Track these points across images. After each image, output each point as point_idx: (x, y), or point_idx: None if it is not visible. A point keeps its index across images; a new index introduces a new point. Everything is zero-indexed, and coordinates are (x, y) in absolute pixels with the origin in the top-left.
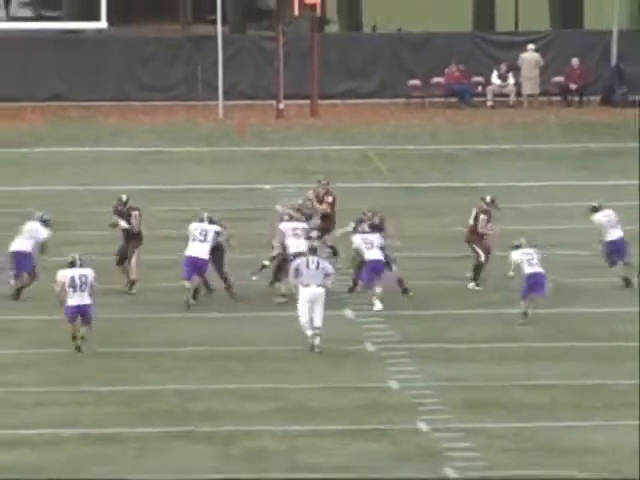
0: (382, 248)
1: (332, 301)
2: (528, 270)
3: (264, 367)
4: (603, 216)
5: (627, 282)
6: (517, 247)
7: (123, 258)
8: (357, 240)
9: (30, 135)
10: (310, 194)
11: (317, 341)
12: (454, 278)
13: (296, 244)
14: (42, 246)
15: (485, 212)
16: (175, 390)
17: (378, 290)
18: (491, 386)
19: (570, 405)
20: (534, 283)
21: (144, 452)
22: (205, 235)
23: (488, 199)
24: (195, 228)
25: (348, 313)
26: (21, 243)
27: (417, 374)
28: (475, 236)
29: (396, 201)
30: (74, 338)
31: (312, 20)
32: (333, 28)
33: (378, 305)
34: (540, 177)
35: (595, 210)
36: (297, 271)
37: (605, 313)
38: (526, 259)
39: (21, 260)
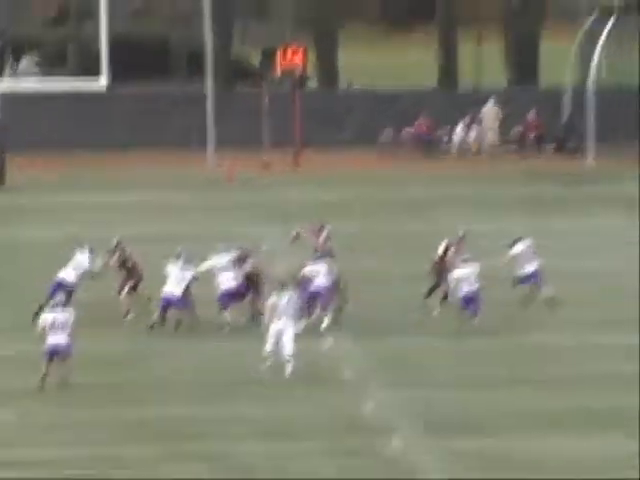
0: (329, 276)
1: (311, 330)
2: (464, 289)
3: (251, 392)
4: (517, 250)
5: (551, 302)
6: (464, 261)
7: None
8: (306, 271)
9: (42, 183)
10: (302, 232)
11: (289, 368)
12: (426, 311)
13: (223, 279)
14: (90, 273)
15: (455, 245)
16: (170, 414)
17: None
18: (458, 408)
19: (526, 424)
20: (466, 301)
21: (142, 471)
22: (181, 281)
23: (460, 233)
24: (172, 270)
25: (326, 341)
26: (67, 272)
27: (391, 398)
28: (442, 266)
29: (371, 242)
30: (44, 377)
31: (293, 79)
32: (313, 84)
33: (325, 322)
34: (500, 218)
35: (515, 243)
36: (272, 306)
37: (560, 343)
38: (464, 278)
39: (57, 289)
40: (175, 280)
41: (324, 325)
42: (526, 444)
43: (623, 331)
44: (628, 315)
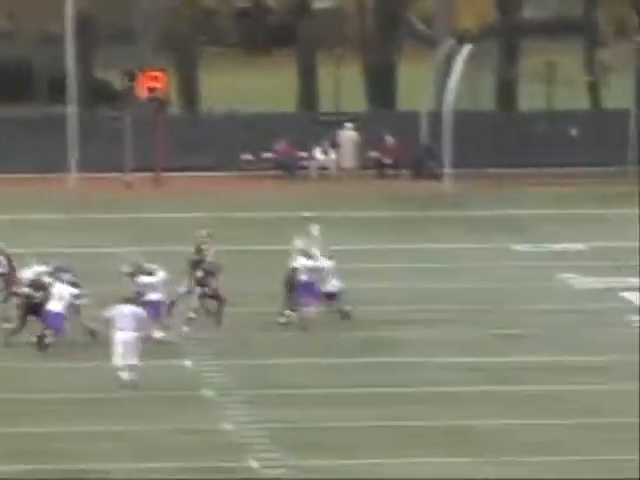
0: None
1: (171, 349)
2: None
3: (115, 411)
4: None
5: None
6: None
7: None
8: (141, 281)
9: None
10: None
11: (133, 376)
12: (288, 330)
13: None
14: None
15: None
16: (34, 432)
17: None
18: (317, 427)
19: (378, 443)
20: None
21: None
22: (62, 297)
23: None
24: (55, 288)
25: (186, 362)
26: None
27: (251, 417)
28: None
29: (230, 262)
30: None
31: (156, 102)
32: (174, 108)
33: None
34: (357, 241)
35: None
36: (112, 318)
37: (416, 362)
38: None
39: None
40: (56, 300)
41: (160, 336)
42: (386, 462)
43: (468, 352)
44: (473, 336)
